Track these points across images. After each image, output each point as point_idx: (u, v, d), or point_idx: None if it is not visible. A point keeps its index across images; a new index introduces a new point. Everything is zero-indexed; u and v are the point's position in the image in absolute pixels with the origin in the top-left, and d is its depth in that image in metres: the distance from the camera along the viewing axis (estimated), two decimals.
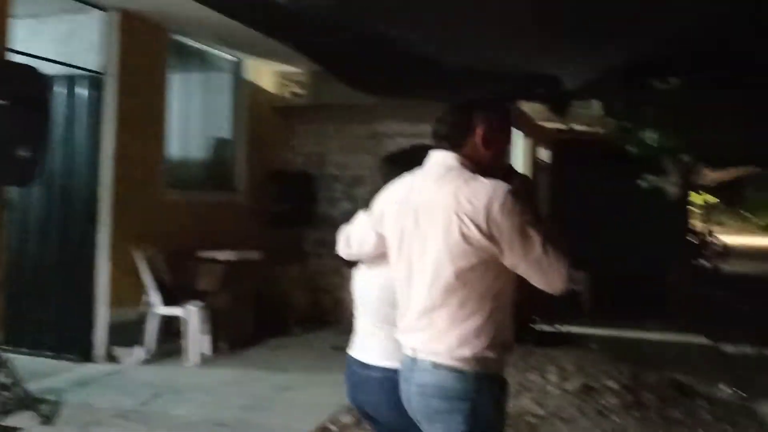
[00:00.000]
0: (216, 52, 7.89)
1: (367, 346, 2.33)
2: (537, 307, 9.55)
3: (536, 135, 9.23)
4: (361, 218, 2.40)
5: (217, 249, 6.97)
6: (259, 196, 8.37)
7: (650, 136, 7.45)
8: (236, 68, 8.24)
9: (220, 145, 8.18)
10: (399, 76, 6.93)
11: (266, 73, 8.60)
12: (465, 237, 1.89)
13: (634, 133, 7.90)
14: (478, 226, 1.87)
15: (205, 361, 6.43)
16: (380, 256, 2.25)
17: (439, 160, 2.06)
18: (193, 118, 7.76)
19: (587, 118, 9.66)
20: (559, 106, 7.12)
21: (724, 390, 6.28)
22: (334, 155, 8.69)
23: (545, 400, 5.42)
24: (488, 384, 1.97)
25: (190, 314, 6.34)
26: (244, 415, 5.00)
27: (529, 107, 8.74)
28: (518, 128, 8.12)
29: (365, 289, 2.38)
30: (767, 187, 29.34)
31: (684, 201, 9.84)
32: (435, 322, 1.96)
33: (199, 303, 6.43)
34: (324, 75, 7.65)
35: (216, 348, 6.68)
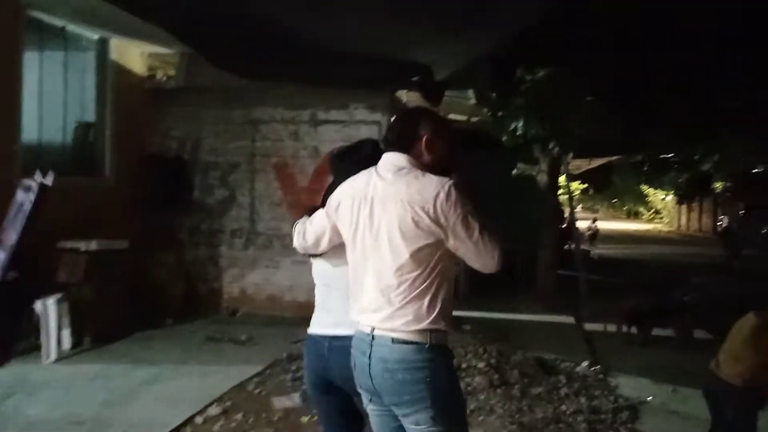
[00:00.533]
0: (79, 30, 7.42)
1: (326, 319, 2.64)
2: None
3: None
4: (319, 213, 2.59)
5: (82, 238, 6.59)
6: (129, 181, 7.98)
7: (517, 126, 7.81)
8: (101, 48, 7.78)
9: (84, 128, 7.71)
10: (272, 59, 6.81)
11: (135, 54, 8.18)
12: (416, 223, 2.19)
13: (504, 123, 8.24)
14: (427, 214, 2.18)
15: (65, 356, 6.07)
16: (336, 247, 2.51)
17: (392, 159, 2.34)
18: (54, 100, 7.26)
19: (464, 108, 9.95)
20: (433, 95, 7.26)
21: (584, 366, 6.67)
22: (210, 140, 8.42)
23: None
24: (442, 354, 2.25)
25: (47, 308, 5.96)
26: (104, 411, 4.76)
27: (407, 97, 8.85)
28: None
29: (325, 271, 2.69)
30: (632, 174, 31.57)
31: (554, 188, 10.34)
32: (392, 301, 2.23)
33: (57, 296, 6.06)
34: (197, 57, 7.38)
35: (79, 342, 6.34)
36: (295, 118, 8.06)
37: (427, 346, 2.20)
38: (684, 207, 38.31)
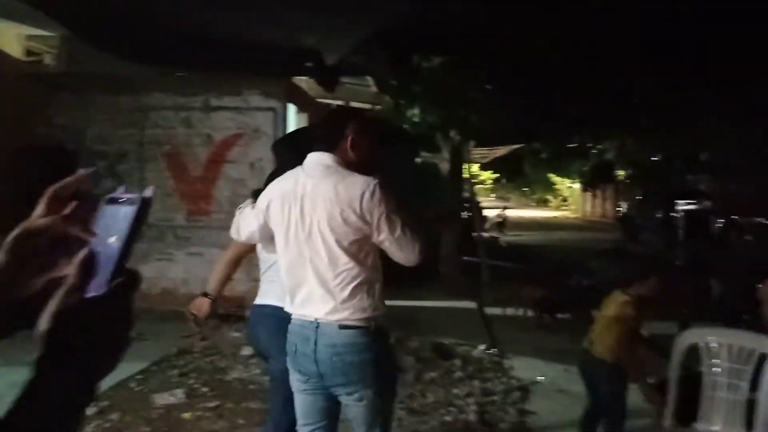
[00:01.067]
0: None
1: (268, 293, 3.02)
2: None
3: (315, 111, 9.25)
4: (247, 210, 2.79)
5: None
6: (5, 174, 7.47)
7: (413, 113, 7.83)
8: None
9: None
10: (159, 44, 6.53)
11: (11, 36, 7.65)
12: (344, 220, 2.37)
13: (403, 110, 8.25)
14: (354, 212, 2.36)
15: None
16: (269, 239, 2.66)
17: (318, 159, 2.49)
18: None
19: (366, 95, 9.90)
20: (327, 81, 7.16)
21: (480, 349, 6.76)
22: (96, 128, 7.98)
23: None
24: (382, 335, 2.50)
25: None
26: None
27: (307, 84, 8.72)
28: (293, 103, 8.06)
29: (266, 258, 3.07)
30: (542, 163, 32.63)
31: (457, 176, 10.45)
32: (334, 294, 2.41)
33: None
34: (82, 40, 6.98)
35: None
36: (186, 105, 7.76)
37: (371, 329, 2.41)
38: (589, 194, 39.88)
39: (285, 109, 7.67)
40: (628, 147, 25.66)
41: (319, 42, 6.05)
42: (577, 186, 41.84)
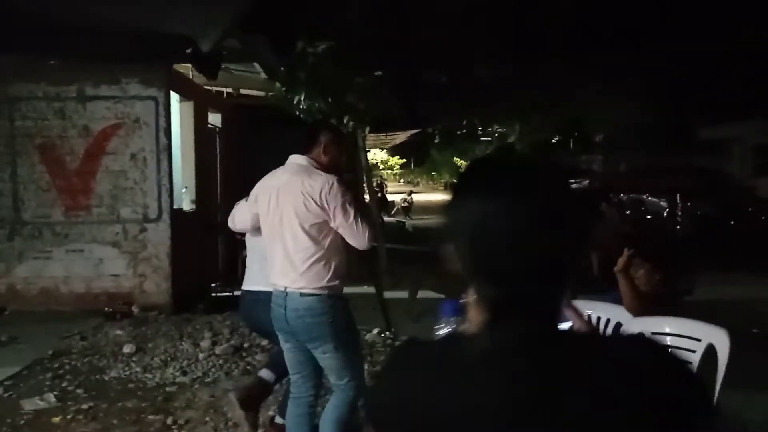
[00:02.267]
0: None
1: (256, 279, 3.54)
2: (216, 274, 9.51)
3: (203, 99, 9.00)
4: (242, 203, 3.55)
5: None
6: None
7: (299, 99, 7.75)
8: None
9: None
10: (23, 32, 6.16)
11: None
12: (306, 207, 2.96)
13: (291, 97, 8.14)
14: (315, 201, 2.94)
15: None
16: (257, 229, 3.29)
17: (295, 160, 3.13)
18: None
19: (256, 83, 9.71)
20: (206, 68, 6.97)
21: (374, 333, 6.82)
22: None
23: (192, 367, 5.34)
24: (337, 301, 3.04)
25: None
26: None
27: (194, 72, 8.44)
28: (176, 91, 7.79)
29: (254, 245, 3.62)
30: (448, 147, 33.22)
31: (351, 162, 10.44)
32: (296, 266, 2.99)
33: None
34: None
35: None
36: (60, 95, 7.34)
37: (326, 296, 2.98)
38: None
39: (167, 97, 7.41)
40: (527, 129, 26.60)
41: (191, 29, 5.85)
42: None
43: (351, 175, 3.07)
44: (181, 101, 8.29)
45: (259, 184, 3.22)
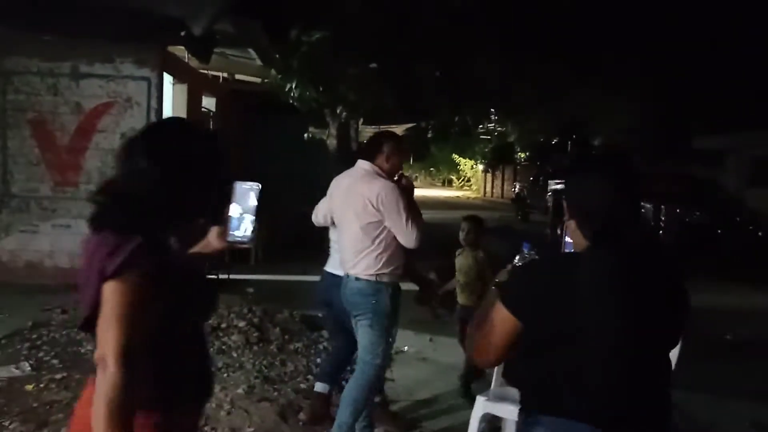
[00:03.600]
0: None
1: (335, 264, 3.93)
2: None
3: (197, 83, 9.06)
4: (323, 199, 3.93)
5: None
6: None
7: (291, 87, 7.80)
8: None
9: None
10: (22, 5, 6.21)
11: None
12: (364, 208, 3.46)
13: (283, 85, 8.20)
14: (372, 204, 3.44)
15: None
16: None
17: (361, 165, 3.63)
18: None
19: (252, 69, 9.77)
20: (200, 51, 7.02)
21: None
22: None
23: None
24: (384, 287, 3.53)
25: None
26: None
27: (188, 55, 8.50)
28: (169, 72, 7.85)
29: (334, 236, 3.98)
30: (445, 143, 33.33)
31: (345, 152, 10.50)
32: (353, 256, 3.53)
33: None
34: None
35: None
36: (53, 71, 7.40)
37: (374, 282, 3.49)
38: (490, 175, 41.03)
39: (160, 78, 7.47)
40: (526, 129, 26.72)
41: (183, 11, 5.90)
42: (480, 167, 42.93)
43: (408, 179, 3.71)
44: (174, 83, 8.35)
45: (333, 181, 3.78)
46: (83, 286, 1.57)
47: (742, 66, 17.72)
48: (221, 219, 1.84)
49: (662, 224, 11.61)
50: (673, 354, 3.27)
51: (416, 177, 57.58)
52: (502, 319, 1.80)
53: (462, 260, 5.00)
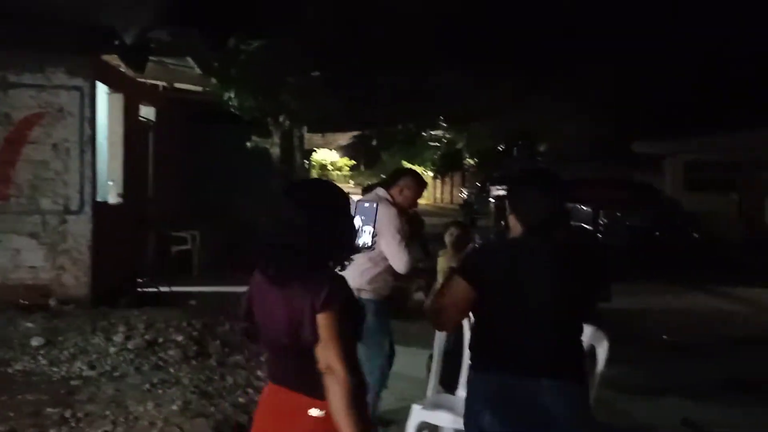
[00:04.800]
0: None
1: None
2: (144, 269, 9.35)
3: (135, 92, 8.86)
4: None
5: None
6: None
7: (229, 96, 7.70)
8: None
9: None
10: None
11: None
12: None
13: (221, 93, 8.09)
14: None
15: None
16: None
17: (378, 191, 4.03)
18: None
19: (192, 78, 9.60)
20: (133, 61, 6.86)
21: None
22: None
23: (101, 361, 5.27)
24: (368, 303, 3.70)
25: None
26: None
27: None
28: (104, 82, 7.65)
29: None
30: (396, 149, 33.50)
31: (287, 161, 10.43)
32: (354, 276, 3.33)
33: None
34: None
35: None
36: None
37: (364, 299, 3.65)
38: (439, 181, 41.38)
39: (93, 88, 7.26)
40: (475, 136, 27.04)
41: (114, 20, 5.77)
42: (430, 174, 43.23)
43: (414, 211, 4.12)
44: (110, 93, 8.15)
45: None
46: (285, 325, 2.01)
47: (680, 72, 18.33)
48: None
49: (602, 227, 11.87)
50: (603, 350, 3.38)
51: (368, 185, 57.58)
52: (458, 289, 2.35)
53: (444, 262, 5.23)
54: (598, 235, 11.34)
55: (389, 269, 3.89)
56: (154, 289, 8.85)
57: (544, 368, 2.31)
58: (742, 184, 15.02)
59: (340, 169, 46.85)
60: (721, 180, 15.50)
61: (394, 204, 3.93)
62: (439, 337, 3.93)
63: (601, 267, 2.56)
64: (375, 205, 2.54)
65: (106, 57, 7.64)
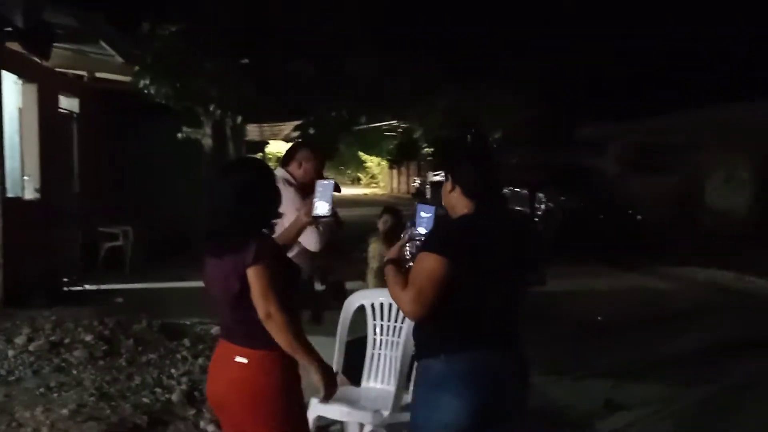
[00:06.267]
0: None
1: None
2: (69, 266, 8.99)
3: (51, 81, 8.46)
4: None
5: None
6: None
7: (144, 83, 7.39)
8: None
9: None
10: None
11: None
12: None
13: (137, 81, 7.76)
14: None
15: None
16: None
17: (277, 172, 3.64)
18: None
19: (114, 67, 9.23)
20: (35, 48, 6.50)
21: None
22: None
23: None
24: None
25: None
26: None
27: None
28: (13, 72, 7.26)
29: None
30: (354, 142, 33.20)
31: (220, 152, 10.12)
32: None
33: None
34: None
35: None
36: None
37: None
38: (395, 171, 41.27)
39: None
40: (429, 126, 26.98)
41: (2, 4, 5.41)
42: (384, 163, 43.12)
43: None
44: (23, 83, 7.76)
45: None
46: (220, 286, 2.32)
47: (624, 56, 18.53)
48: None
49: (539, 210, 11.88)
50: None
51: (326, 176, 57.17)
52: (431, 267, 2.30)
53: (377, 247, 5.17)
54: (534, 218, 11.33)
55: (305, 251, 3.66)
56: (79, 288, 8.53)
57: (510, 340, 2.46)
58: (684, 166, 15.22)
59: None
60: (663, 162, 15.67)
61: (294, 181, 3.73)
62: (343, 325, 3.77)
63: (535, 249, 2.64)
64: (332, 182, 2.78)
65: (12, 45, 7.26)
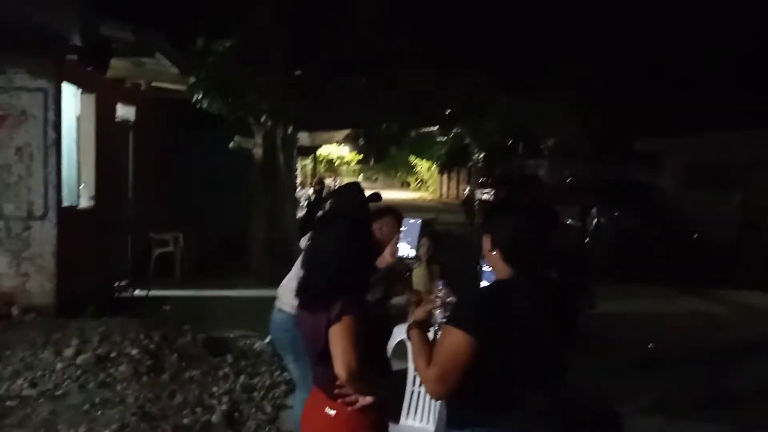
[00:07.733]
0: None
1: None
2: (123, 273, 9.20)
3: (109, 91, 8.66)
4: None
5: None
6: None
7: (197, 98, 7.49)
8: None
9: None
10: None
11: None
12: None
13: (194, 93, 7.88)
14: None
15: None
16: None
17: None
18: None
19: (171, 77, 9.40)
20: (94, 61, 6.65)
21: (265, 342, 6.56)
22: None
23: (45, 378, 5.06)
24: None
25: None
26: None
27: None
28: (73, 83, 7.46)
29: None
30: (407, 144, 33.20)
31: (269, 161, 10.19)
32: (284, 286, 3.82)
33: None
34: None
35: None
36: None
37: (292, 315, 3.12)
38: (445, 176, 41.06)
39: (57, 89, 7.06)
40: (481, 133, 26.74)
41: (60, 22, 5.55)
42: (434, 168, 42.97)
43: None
44: (82, 93, 7.96)
45: None
46: (309, 339, 2.48)
47: (682, 70, 17.97)
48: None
49: (592, 228, 11.57)
50: None
51: (376, 178, 57.44)
52: (455, 344, 2.16)
53: (420, 274, 4.96)
54: (586, 236, 11.04)
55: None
56: (129, 295, 8.72)
57: (537, 426, 2.27)
58: (746, 184, 14.61)
59: (348, 163, 46.64)
60: (724, 180, 15.07)
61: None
62: None
63: (582, 275, 2.61)
64: (418, 221, 2.89)
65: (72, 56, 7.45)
